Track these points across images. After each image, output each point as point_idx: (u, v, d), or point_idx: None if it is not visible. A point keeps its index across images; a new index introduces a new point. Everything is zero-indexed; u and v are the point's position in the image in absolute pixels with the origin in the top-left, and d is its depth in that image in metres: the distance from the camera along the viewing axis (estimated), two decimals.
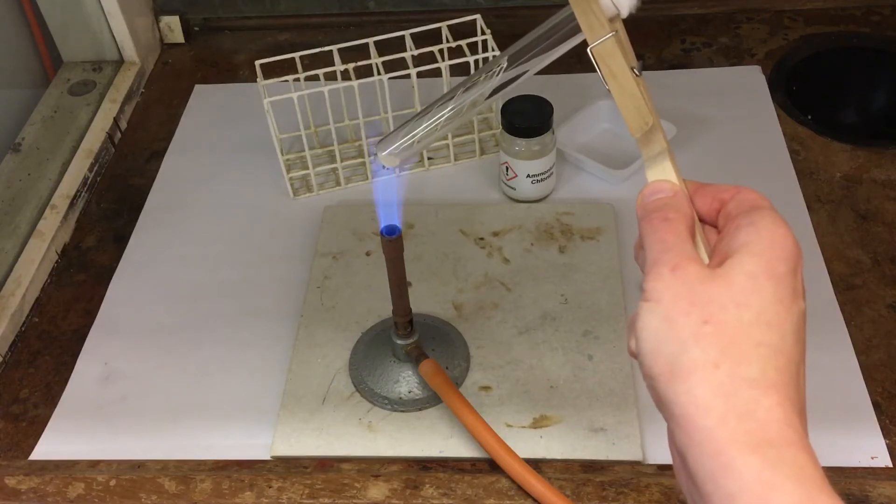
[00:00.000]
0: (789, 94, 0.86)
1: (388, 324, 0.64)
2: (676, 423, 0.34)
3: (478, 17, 0.78)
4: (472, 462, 0.58)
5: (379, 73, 0.74)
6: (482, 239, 0.73)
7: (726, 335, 0.34)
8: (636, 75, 0.39)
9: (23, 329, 0.70)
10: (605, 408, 0.60)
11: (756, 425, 0.32)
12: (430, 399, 0.61)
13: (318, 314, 0.68)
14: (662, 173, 0.40)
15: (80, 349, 0.68)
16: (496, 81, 0.47)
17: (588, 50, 0.39)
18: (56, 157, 0.83)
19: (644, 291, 0.36)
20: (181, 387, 0.65)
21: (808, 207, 0.74)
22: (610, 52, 0.39)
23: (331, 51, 0.76)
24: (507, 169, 0.75)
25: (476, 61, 0.75)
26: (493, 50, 0.75)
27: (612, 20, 0.39)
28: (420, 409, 0.61)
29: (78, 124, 0.87)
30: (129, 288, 0.73)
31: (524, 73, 0.46)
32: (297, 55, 0.76)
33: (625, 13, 0.40)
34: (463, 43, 0.76)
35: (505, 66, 0.46)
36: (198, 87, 0.93)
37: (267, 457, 0.60)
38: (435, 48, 0.77)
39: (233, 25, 1.01)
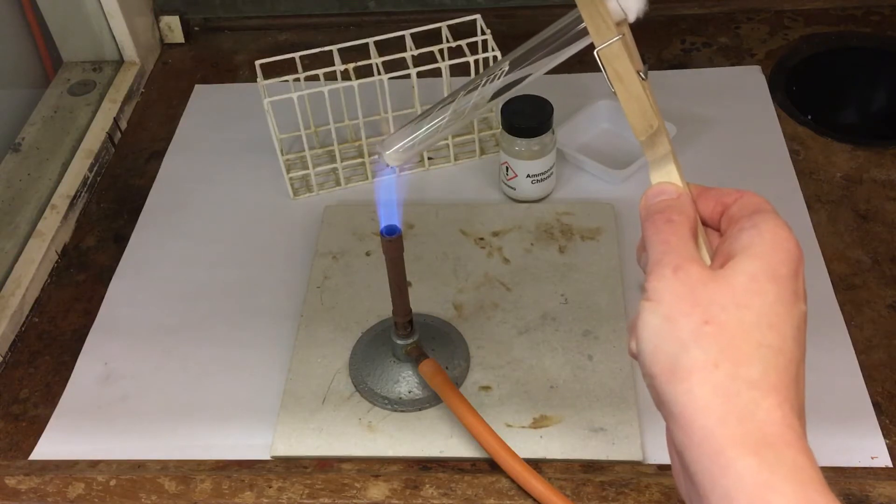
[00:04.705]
0: (789, 94, 0.86)
1: (388, 324, 0.64)
2: (676, 422, 0.34)
3: (478, 17, 0.78)
4: (472, 462, 0.58)
5: (379, 73, 0.74)
6: (482, 239, 0.73)
7: (727, 336, 0.34)
8: (642, 78, 0.40)
9: (23, 329, 0.70)
10: (605, 408, 0.60)
11: (755, 426, 0.32)
12: (430, 399, 0.61)
13: (318, 314, 0.68)
14: (667, 176, 0.40)
15: (80, 349, 0.68)
16: (498, 84, 0.47)
17: (595, 52, 0.40)
18: (56, 157, 0.83)
19: (645, 291, 0.36)
20: (181, 387, 0.65)
21: (808, 207, 0.74)
22: (617, 54, 0.39)
23: (331, 51, 0.76)
24: (507, 169, 0.75)
25: (476, 61, 0.75)
26: (493, 50, 0.75)
27: (619, 24, 0.40)
28: (420, 409, 0.61)
29: (78, 124, 0.87)
30: (129, 288, 0.73)
31: (526, 76, 0.46)
32: (297, 55, 0.76)
33: (632, 17, 0.40)
34: (463, 43, 0.76)
35: (507, 69, 0.46)
36: (198, 87, 0.93)
37: (267, 457, 0.60)
38: (435, 48, 0.77)
39: (233, 25, 1.01)
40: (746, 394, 0.33)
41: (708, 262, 0.38)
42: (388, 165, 0.51)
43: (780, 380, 0.33)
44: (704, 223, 0.40)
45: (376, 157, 0.52)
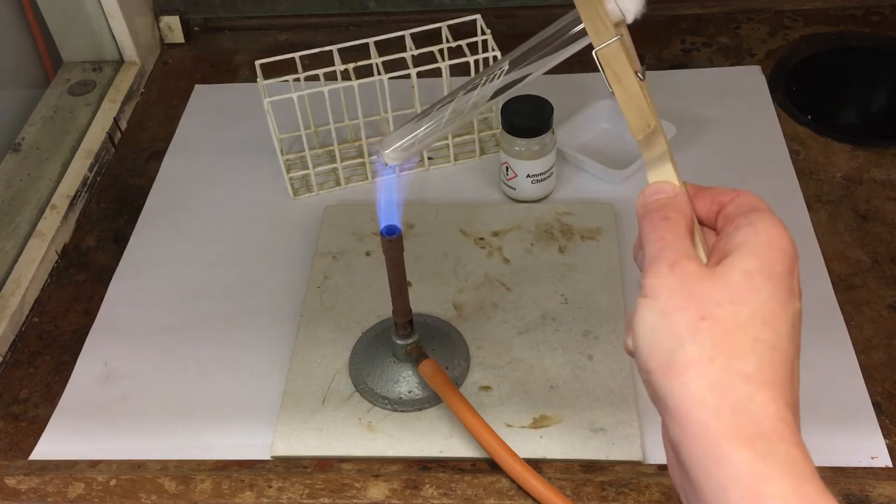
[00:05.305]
0: (789, 94, 0.86)
1: (388, 324, 0.64)
2: (671, 416, 0.34)
3: (478, 17, 0.78)
4: (472, 462, 0.58)
5: (379, 73, 0.74)
6: (482, 239, 0.73)
7: (722, 331, 0.34)
8: (640, 79, 0.40)
9: (23, 329, 0.70)
10: (605, 408, 0.60)
11: (749, 420, 0.33)
12: (430, 399, 0.61)
13: (318, 314, 0.68)
14: (663, 175, 0.41)
15: (80, 349, 0.68)
16: (497, 84, 0.47)
17: (593, 53, 0.40)
18: (56, 157, 0.83)
19: (642, 288, 0.37)
20: (181, 387, 0.65)
21: (808, 207, 0.74)
22: (615, 55, 0.40)
23: (331, 51, 0.76)
24: (507, 169, 0.75)
25: (476, 61, 0.75)
26: (493, 50, 0.75)
27: (617, 25, 0.40)
28: (420, 409, 0.61)
29: (78, 124, 0.87)
30: (129, 288, 0.73)
31: (525, 76, 0.46)
32: (297, 55, 0.76)
33: (630, 18, 0.40)
34: (463, 43, 0.76)
35: (506, 69, 0.46)
36: (198, 87, 0.93)
37: (267, 457, 0.60)
38: (435, 48, 0.77)
39: (233, 25, 1.01)
40: (741, 388, 0.33)
41: (704, 259, 0.38)
42: (386, 164, 0.51)
43: (774, 375, 0.34)
44: (701, 222, 0.41)
45: (376, 156, 0.52)
